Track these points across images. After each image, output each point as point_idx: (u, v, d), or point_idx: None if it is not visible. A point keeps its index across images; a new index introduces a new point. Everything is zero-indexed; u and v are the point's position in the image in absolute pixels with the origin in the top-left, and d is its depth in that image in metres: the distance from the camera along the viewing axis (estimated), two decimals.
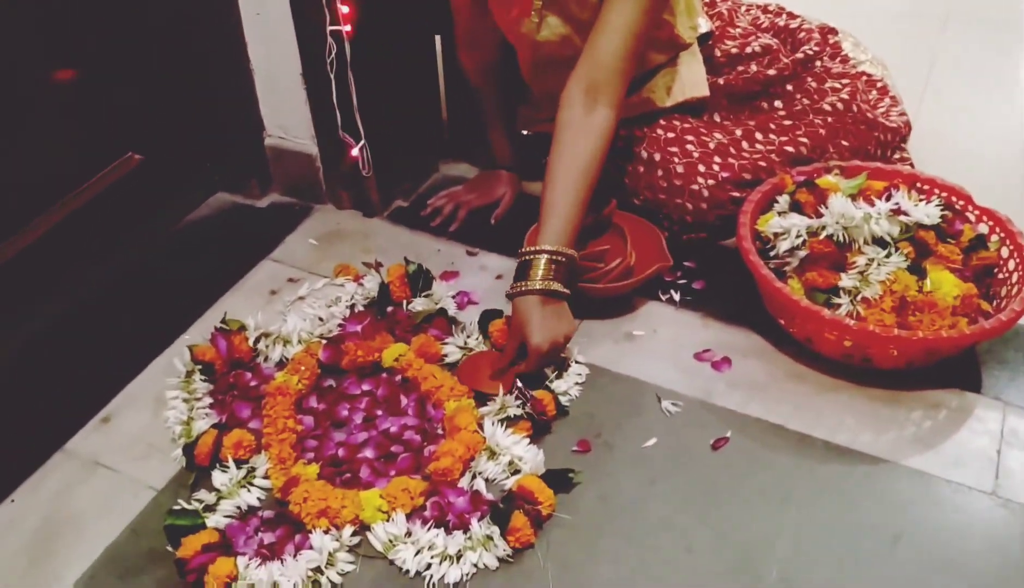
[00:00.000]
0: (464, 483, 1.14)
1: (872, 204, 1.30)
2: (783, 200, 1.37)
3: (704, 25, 1.56)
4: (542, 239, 1.26)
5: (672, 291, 1.44)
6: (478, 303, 1.43)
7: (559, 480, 1.14)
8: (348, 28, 1.40)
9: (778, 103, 1.57)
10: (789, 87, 1.58)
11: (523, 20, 1.41)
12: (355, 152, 1.51)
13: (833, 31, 1.76)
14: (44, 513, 1.15)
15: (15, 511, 1.15)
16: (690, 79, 1.52)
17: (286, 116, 1.56)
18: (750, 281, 1.33)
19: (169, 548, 1.08)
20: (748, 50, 1.58)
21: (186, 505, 1.12)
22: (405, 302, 1.40)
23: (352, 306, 1.41)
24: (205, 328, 1.38)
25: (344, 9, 1.38)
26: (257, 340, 1.34)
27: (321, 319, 1.37)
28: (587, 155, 1.28)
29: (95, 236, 1.45)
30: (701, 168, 1.44)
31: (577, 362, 1.31)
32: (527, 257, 1.26)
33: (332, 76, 1.42)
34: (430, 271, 1.42)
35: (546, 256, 1.25)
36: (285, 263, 1.53)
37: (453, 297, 1.41)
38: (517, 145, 1.65)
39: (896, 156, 1.64)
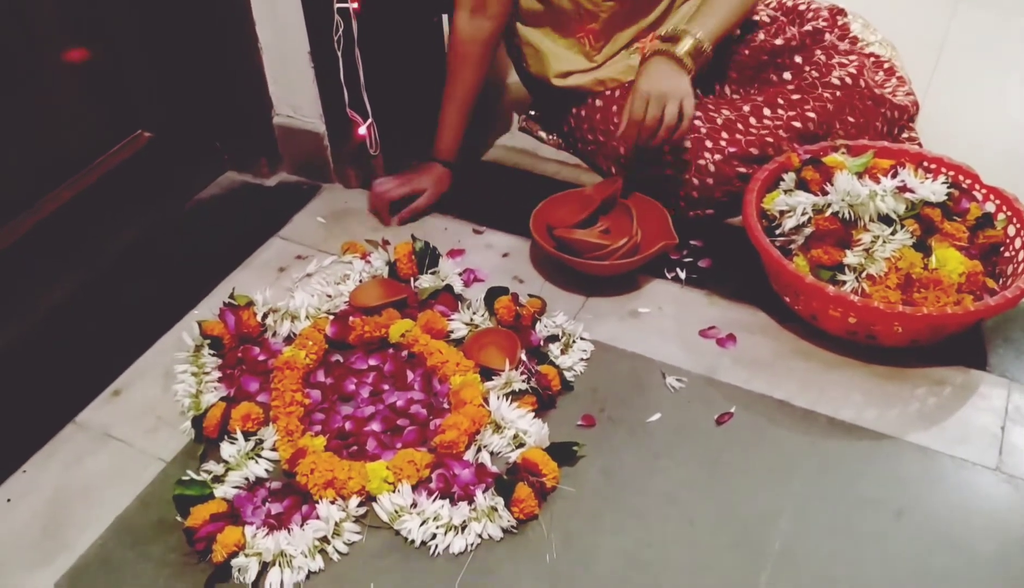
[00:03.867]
0: (469, 456, 1.15)
1: (878, 182, 1.31)
2: (789, 178, 1.37)
3: None
4: (698, 25, 1.38)
5: (678, 269, 1.44)
6: (484, 280, 1.43)
7: (563, 453, 1.15)
8: (355, 5, 1.40)
9: (787, 75, 1.57)
10: (798, 59, 1.58)
11: None
12: (362, 130, 1.52)
13: (842, 12, 1.76)
14: (56, 484, 1.16)
15: (28, 482, 1.17)
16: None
17: (294, 95, 1.56)
18: (756, 259, 1.34)
19: (178, 518, 1.09)
20: (755, 18, 1.58)
21: (195, 476, 1.13)
22: (412, 279, 1.41)
23: (360, 283, 1.41)
24: (214, 304, 1.39)
25: None
26: (265, 315, 1.35)
27: (329, 296, 1.38)
28: None
29: (106, 213, 1.47)
30: (708, 143, 1.44)
31: (582, 338, 1.31)
32: (676, 33, 1.38)
33: (339, 54, 1.42)
34: (436, 249, 1.43)
35: (694, 39, 1.37)
36: (293, 241, 1.54)
37: (460, 274, 1.42)
38: (462, 141, 1.59)
39: (904, 135, 1.64)
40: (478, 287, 1.42)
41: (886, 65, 1.73)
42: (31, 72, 1.33)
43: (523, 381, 1.23)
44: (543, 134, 1.75)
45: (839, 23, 1.74)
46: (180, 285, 1.44)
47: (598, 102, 1.58)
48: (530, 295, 1.37)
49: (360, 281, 1.41)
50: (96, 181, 1.44)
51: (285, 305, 1.36)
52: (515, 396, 1.22)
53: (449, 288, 1.38)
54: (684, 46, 1.36)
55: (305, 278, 1.45)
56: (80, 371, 1.30)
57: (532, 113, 1.78)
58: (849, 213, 1.28)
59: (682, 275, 1.43)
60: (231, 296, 1.36)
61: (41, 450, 1.21)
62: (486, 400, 1.21)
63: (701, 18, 1.40)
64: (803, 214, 1.31)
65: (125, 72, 1.46)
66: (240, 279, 1.46)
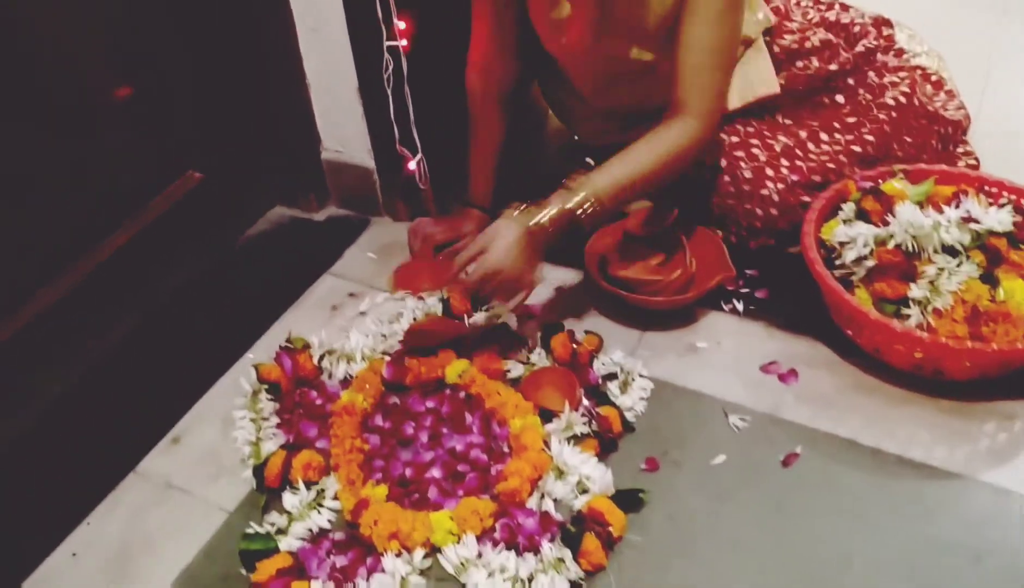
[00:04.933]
0: (532, 503, 1.14)
1: (940, 210, 1.28)
2: (848, 208, 1.34)
3: (766, 17, 1.51)
4: (590, 180, 1.26)
5: (735, 301, 1.42)
6: (538, 315, 1.42)
7: (629, 500, 1.13)
8: (405, 43, 1.40)
9: (840, 98, 1.54)
10: (851, 81, 1.55)
11: (578, 42, 1.38)
12: (412, 166, 1.51)
13: (887, 23, 1.73)
14: (120, 536, 1.17)
15: (92, 534, 1.17)
16: (758, 76, 1.48)
17: (343, 130, 1.56)
18: (814, 289, 1.31)
19: (243, 571, 1.09)
20: (808, 45, 1.55)
21: (258, 528, 1.13)
22: (466, 316, 1.40)
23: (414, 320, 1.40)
24: (269, 344, 1.39)
25: (401, 25, 1.38)
26: (321, 358, 1.34)
27: (384, 336, 1.38)
28: (665, 146, 1.28)
29: (159, 256, 1.47)
30: (769, 172, 1.42)
31: (641, 376, 1.30)
32: (567, 189, 1.27)
33: (389, 91, 1.42)
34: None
35: (581, 197, 1.24)
36: (345, 277, 1.53)
37: (510, 310, 1.41)
38: (496, 186, 1.55)
39: (960, 150, 1.60)
40: (532, 321, 1.41)
41: (933, 78, 1.69)
42: (80, 115, 1.34)
43: (584, 423, 1.22)
44: (590, 160, 1.73)
45: (884, 34, 1.71)
46: (235, 326, 1.44)
47: None
48: (586, 331, 1.35)
49: (414, 318, 1.41)
50: (149, 224, 1.44)
51: (341, 347, 1.36)
52: (577, 440, 1.21)
53: (504, 326, 1.37)
54: (548, 214, 1.25)
55: (359, 317, 1.44)
56: (139, 418, 1.31)
57: (576, 137, 1.76)
58: (912, 245, 1.25)
59: (739, 307, 1.41)
60: (288, 339, 1.35)
61: (104, 501, 1.21)
62: (547, 444, 1.19)
63: (603, 169, 1.28)
64: (864, 246, 1.28)
65: (174, 112, 1.47)
66: (294, 319, 1.46)
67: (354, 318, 1.44)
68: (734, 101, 1.46)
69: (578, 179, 1.28)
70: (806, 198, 1.41)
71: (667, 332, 1.38)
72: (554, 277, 1.50)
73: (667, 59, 1.31)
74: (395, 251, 1.58)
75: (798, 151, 1.45)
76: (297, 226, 1.66)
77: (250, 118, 1.56)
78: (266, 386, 1.30)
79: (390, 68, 1.40)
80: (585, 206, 1.25)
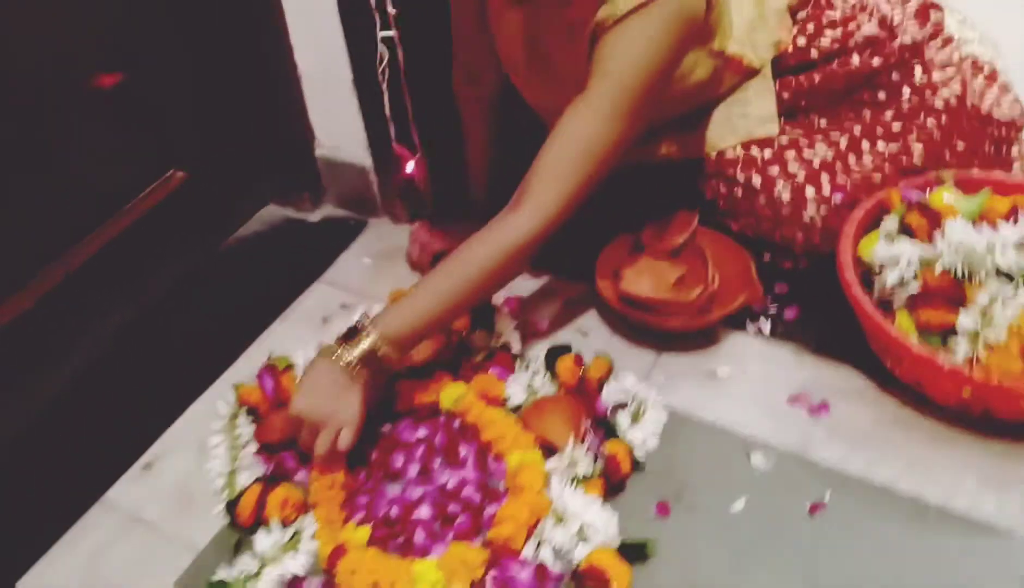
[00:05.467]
0: (528, 552, 1.03)
1: (995, 227, 1.14)
2: (891, 221, 1.21)
3: (778, 43, 1.35)
4: (384, 319, 1.08)
5: (761, 320, 1.29)
6: (544, 333, 1.30)
7: (635, 553, 1.02)
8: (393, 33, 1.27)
9: (881, 95, 1.39)
10: (894, 77, 1.39)
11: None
12: (411, 167, 1.39)
13: (935, 6, 1.56)
14: (83, 575, 1.07)
15: (49, 574, 1.08)
16: (758, 114, 1.33)
17: (338, 126, 1.44)
18: (848, 309, 1.18)
19: None
20: (851, 43, 1.40)
21: (227, 577, 1.03)
22: (464, 332, 1.29)
23: None
24: (254, 360, 1.29)
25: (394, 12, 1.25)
26: None
27: None
28: (479, 260, 1.10)
29: (137, 262, 1.37)
30: (810, 192, 1.27)
31: (654, 406, 1.18)
32: (360, 326, 1.09)
33: (384, 85, 1.30)
34: (491, 302, 1.30)
35: (375, 338, 1.07)
36: (338, 286, 1.42)
37: (516, 328, 1.29)
38: (492, 190, 1.42)
39: (1015, 152, 1.45)
40: (537, 341, 1.29)
41: (986, 69, 1.53)
42: (53, 107, 1.23)
43: (589, 460, 1.10)
44: None
45: (932, 19, 1.55)
46: (216, 340, 1.34)
47: None
48: (596, 355, 1.23)
49: None
50: (126, 229, 1.34)
51: None
52: (580, 480, 1.09)
53: (506, 347, 1.25)
54: (360, 349, 1.06)
55: None
56: (110, 441, 1.21)
57: None
58: (962, 268, 1.11)
59: (766, 328, 1.28)
60: (270, 358, 1.25)
61: (67, 534, 1.12)
62: (548, 481, 1.08)
63: (399, 305, 1.10)
64: (908, 267, 1.15)
65: (156, 106, 1.35)
66: (280, 331, 1.35)
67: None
68: (729, 138, 1.32)
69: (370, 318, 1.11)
70: None
71: (685, 354, 1.26)
72: (563, 288, 1.38)
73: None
74: (393, 257, 1.47)
75: (838, 164, 1.30)
76: (290, 228, 1.55)
77: (239, 112, 1.45)
78: (245, 409, 1.20)
79: (385, 60, 1.28)
80: (377, 349, 1.07)
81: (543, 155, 1.11)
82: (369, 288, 1.41)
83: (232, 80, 1.40)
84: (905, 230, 1.19)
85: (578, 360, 1.21)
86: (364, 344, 1.06)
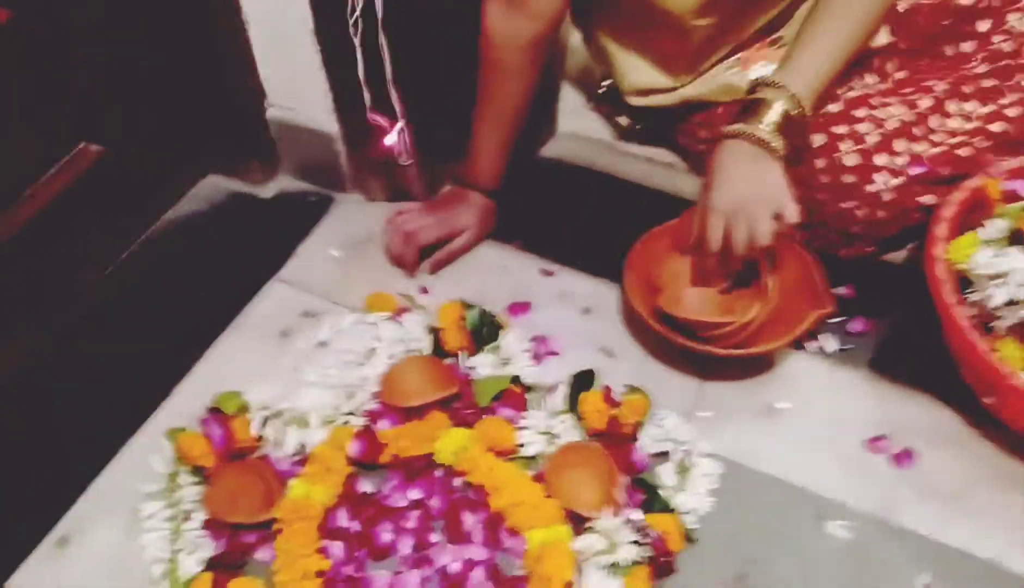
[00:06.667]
0: None
1: None
2: (999, 226, 0.97)
3: None
4: (787, 71, 0.96)
5: (823, 335, 1.06)
6: (560, 354, 1.05)
7: None
8: None
9: (967, 46, 1.13)
10: (982, 26, 1.13)
11: None
12: (391, 139, 1.11)
13: None
14: None
15: None
16: None
17: (295, 83, 1.14)
18: (932, 320, 0.95)
19: None
20: None
21: None
22: (463, 354, 1.04)
23: (391, 360, 1.04)
24: (195, 391, 1.02)
25: None
26: (264, 421, 0.98)
27: (349, 392, 1.01)
28: None
29: (39, 266, 1.07)
30: (879, 160, 1.03)
31: (705, 456, 0.95)
32: (760, 95, 0.96)
33: (357, 40, 1.01)
34: (495, 317, 1.05)
35: (785, 100, 0.95)
36: (299, 287, 1.15)
37: (528, 350, 1.04)
38: (507, 161, 1.15)
39: None
40: (553, 363, 1.04)
41: None
42: None
43: (629, 537, 0.87)
44: (622, 120, 1.33)
45: None
46: (144, 365, 1.06)
47: (719, 110, 1.16)
48: (629, 387, 0.99)
49: (391, 356, 1.04)
50: (27, 222, 1.03)
51: (290, 406, 0.99)
52: (619, 567, 0.86)
53: (516, 379, 1.00)
54: (771, 117, 0.95)
55: (316, 350, 1.07)
56: (11, 508, 0.95)
57: (604, 86, 1.36)
58: None
59: (829, 345, 1.05)
60: (215, 400, 0.98)
61: None
62: (578, 566, 0.85)
63: (798, 56, 0.97)
64: (1020, 287, 0.92)
65: (57, 57, 1.04)
66: (226, 351, 1.08)
67: (310, 352, 1.07)
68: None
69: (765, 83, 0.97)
70: (926, 198, 1.04)
71: (735, 383, 1.03)
72: (580, 289, 1.13)
73: None
74: (367, 247, 1.19)
75: (916, 129, 1.05)
76: (237, 204, 1.25)
77: (166, 61, 1.13)
78: (187, 467, 0.94)
79: (359, 6, 0.98)
80: (791, 110, 0.95)
81: None
82: (338, 290, 1.14)
83: (157, 21, 1.09)
84: (1018, 238, 0.95)
85: (607, 396, 0.97)
86: (776, 109, 0.95)
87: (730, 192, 0.96)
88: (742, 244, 0.97)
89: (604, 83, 1.35)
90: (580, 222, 1.20)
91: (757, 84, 0.98)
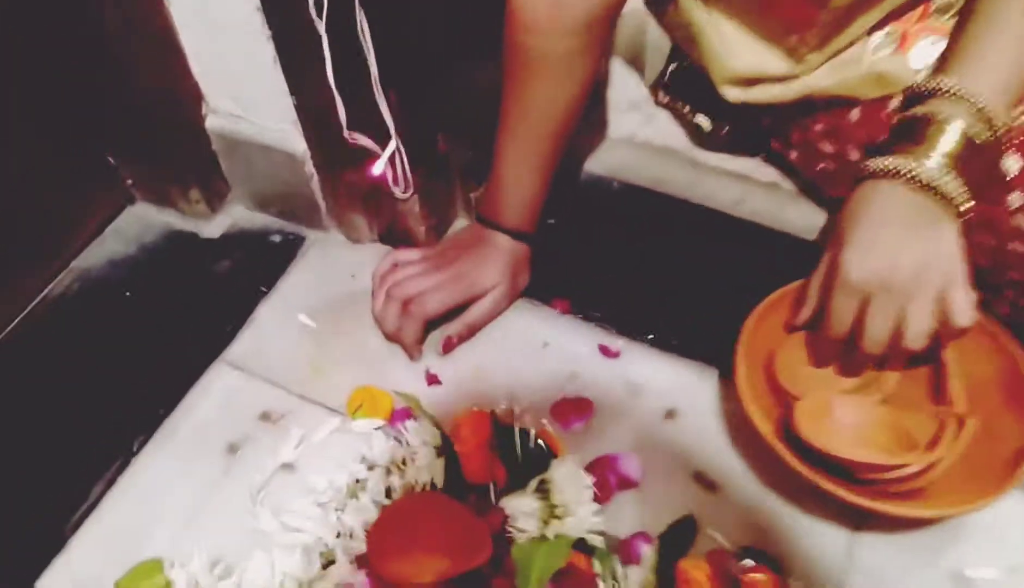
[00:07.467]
0: None
1: None
2: None
3: None
4: (964, 67, 0.62)
5: None
6: (637, 485, 0.71)
7: None
8: None
9: None
10: None
11: None
12: (380, 167, 0.75)
13: None
14: None
15: None
16: None
17: (239, 83, 0.79)
18: None
19: None
20: None
21: None
22: (493, 487, 0.70)
23: (387, 498, 0.70)
24: (90, 554, 0.69)
25: None
26: None
27: (326, 548, 0.67)
28: None
29: None
30: None
31: None
32: (925, 109, 0.62)
33: (322, 24, 0.65)
34: (540, 438, 0.71)
35: (966, 117, 0.61)
36: (254, 372, 0.80)
37: (590, 485, 0.69)
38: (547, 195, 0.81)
39: None
40: (626, 501, 0.70)
41: None
42: None
43: None
44: (703, 120, 0.97)
45: None
46: (33, 504, 0.72)
47: (854, 114, 0.80)
48: (747, 552, 0.65)
49: (389, 489, 0.70)
50: None
51: (241, 570, 0.65)
52: None
53: (581, 543, 0.66)
54: (944, 145, 0.61)
55: (280, 473, 0.73)
56: None
57: (670, 71, 1.00)
58: None
59: None
60: (130, 573, 0.65)
61: None
62: None
63: (979, 45, 0.62)
64: None
65: None
66: (147, 481, 0.74)
67: (271, 477, 0.73)
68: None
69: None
70: None
71: (902, 536, 0.69)
72: (658, 380, 0.79)
73: None
74: (351, 309, 0.84)
75: None
76: (170, 248, 0.91)
77: (62, 52, 0.78)
78: None
79: None
80: (973, 131, 0.61)
81: None
82: (309, 381, 0.79)
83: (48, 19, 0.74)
84: None
85: (717, 569, 0.63)
86: (952, 133, 0.61)
87: (875, 262, 0.62)
88: (878, 342, 0.63)
89: (671, 66, 0.99)
90: (651, 272, 0.86)
91: (919, 90, 0.63)
